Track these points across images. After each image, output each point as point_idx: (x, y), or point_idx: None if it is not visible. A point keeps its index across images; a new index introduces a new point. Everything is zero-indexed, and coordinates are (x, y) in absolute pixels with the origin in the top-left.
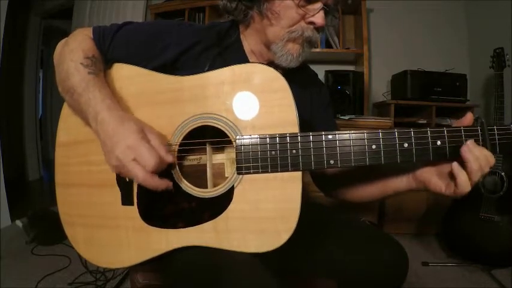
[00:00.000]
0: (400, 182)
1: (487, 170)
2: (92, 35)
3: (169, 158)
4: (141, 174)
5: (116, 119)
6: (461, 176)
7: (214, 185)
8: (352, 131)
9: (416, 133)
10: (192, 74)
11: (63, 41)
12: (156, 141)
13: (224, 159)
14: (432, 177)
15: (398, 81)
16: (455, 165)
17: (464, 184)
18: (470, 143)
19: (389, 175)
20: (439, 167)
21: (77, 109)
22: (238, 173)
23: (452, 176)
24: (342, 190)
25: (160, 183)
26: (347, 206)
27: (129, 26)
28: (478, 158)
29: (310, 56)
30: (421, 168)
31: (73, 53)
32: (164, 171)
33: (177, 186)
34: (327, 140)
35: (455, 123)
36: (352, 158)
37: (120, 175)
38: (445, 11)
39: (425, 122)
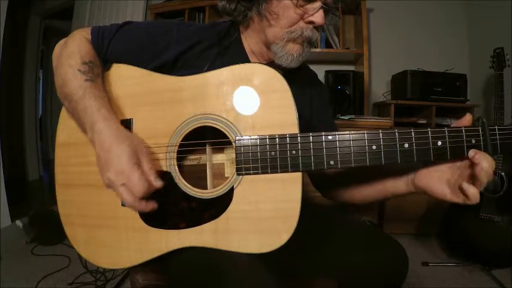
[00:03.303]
0: (400, 186)
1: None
2: (90, 36)
3: (158, 184)
4: (130, 199)
5: (112, 133)
6: (472, 189)
7: (214, 186)
8: (352, 132)
9: (416, 133)
10: (192, 74)
11: (62, 41)
12: (147, 165)
13: (224, 159)
14: (434, 184)
15: (398, 81)
16: (465, 184)
17: (475, 196)
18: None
19: (388, 177)
20: (439, 172)
21: (74, 116)
22: (238, 174)
23: (460, 187)
24: (341, 191)
25: (146, 207)
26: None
27: (129, 25)
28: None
29: (310, 56)
30: (420, 173)
31: (70, 57)
32: (163, 172)
33: (176, 187)
34: (327, 141)
35: (455, 124)
36: (352, 158)
37: None
38: (445, 11)
39: (425, 122)
